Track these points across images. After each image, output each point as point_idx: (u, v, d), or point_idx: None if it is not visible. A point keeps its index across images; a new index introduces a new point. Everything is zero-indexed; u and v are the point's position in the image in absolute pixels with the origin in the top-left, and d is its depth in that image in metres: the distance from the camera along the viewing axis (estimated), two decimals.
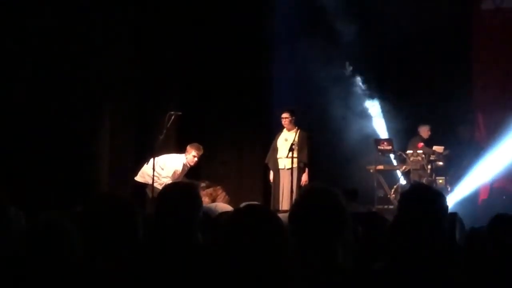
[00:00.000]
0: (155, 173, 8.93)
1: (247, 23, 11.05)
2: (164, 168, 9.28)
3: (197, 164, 9.61)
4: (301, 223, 2.79)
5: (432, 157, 10.99)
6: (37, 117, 8.48)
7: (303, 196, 2.95)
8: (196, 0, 10.83)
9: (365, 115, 11.91)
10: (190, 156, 9.41)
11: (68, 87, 8.76)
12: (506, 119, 11.69)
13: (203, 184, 9.42)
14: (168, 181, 9.01)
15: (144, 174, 9.31)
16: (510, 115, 11.69)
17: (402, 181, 11.22)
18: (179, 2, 10.58)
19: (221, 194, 9.11)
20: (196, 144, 9.48)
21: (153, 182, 8.83)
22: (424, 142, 11.40)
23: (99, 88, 9.23)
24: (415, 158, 11.12)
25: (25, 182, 7.96)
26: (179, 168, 9.38)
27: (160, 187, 8.32)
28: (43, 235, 2.65)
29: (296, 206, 2.91)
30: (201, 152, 9.46)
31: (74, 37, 8.77)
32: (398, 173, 11.55)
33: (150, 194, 8.99)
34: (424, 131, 11.54)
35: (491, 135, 11.79)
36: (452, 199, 10.56)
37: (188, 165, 9.47)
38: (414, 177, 11.10)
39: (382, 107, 11.84)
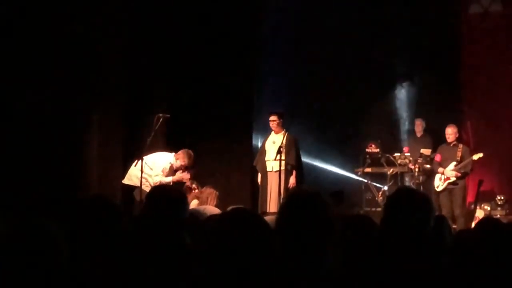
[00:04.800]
0: (145, 175, 8.88)
1: (235, 26, 11.07)
2: (153, 168, 9.23)
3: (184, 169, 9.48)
4: (288, 227, 2.79)
5: (419, 160, 11.02)
6: (24, 120, 8.44)
7: (289, 199, 2.95)
8: (184, 2, 10.82)
9: (353, 116, 11.95)
10: (178, 163, 9.34)
11: (56, 89, 8.72)
12: (493, 122, 11.79)
13: (192, 186, 9.41)
14: (159, 178, 9.03)
15: (131, 177, 9.25)
16: (497, 118, 11.79)
17: (390, 184, 11.24)
18: (167, 5, 10.56)
19: (210, 191, 9.08)
20: (189, 152, 9.36)
21: (141, 184, 8.79)
22: (417, 139, 11.51)
23: (87, 90, 9.19)
24: (402, 160, 11.16)
25: (11, 184, 7.93)
26: (167, 166, 9.34)
27: (148, 190, 8.29)
28: (27, 237, 2.64)
29: (282, 210, 2.92)
30: (191, 162, 9.34)
31: (63, 40, 8.74)
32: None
33: (137, 197, 8.95)
34: (417, 124, 11.65)
35: (477, 139, 11.87)
36: None
37: (174, 167, 9.41)
38: (408, 180, 11.16)
39: (369, 110, 11.87)
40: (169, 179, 9.22)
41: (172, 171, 9.40)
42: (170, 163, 9.36)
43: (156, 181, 8.99)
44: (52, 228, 2.67)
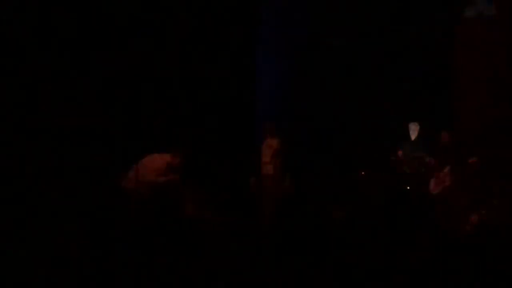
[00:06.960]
0: (142, 176, 8.90)
1: (231, 24, 11.11)
2: (149, 169, 9.24)
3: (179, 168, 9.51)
4: (284, 230, 2.80)
5: (414, 163, 11.02)
6: (23, 120, 8.47)
7: (284, 202, 2.96)
8: (180, 2, 10.85)
9: (349, 119, 11.98)
10: (176, 162, 9.36)
11: (52, 88, 8.74)
12: (487, 125, 11.82)
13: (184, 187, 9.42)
14: (155, 179, 9.06)
15: (130, 178, 9.25)
16: (491, 121, 11.83)
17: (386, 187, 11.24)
18: (163, 4, 10.59)
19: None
20: (185, 151, 9.40)
21: (138, 186, 8.79)
22: (411, 143, 11.53)
23: (84, 92, 9.21)
24: (397, 164, 11.17)
25: (16, 184, 7.97)
26: (163, 167, 9.35)
27: (145, 192, 8.31)
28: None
29: (278, 213, 2.93)
30: (187, 159, 9.38)
31: (58, 38, 8.77)
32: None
33: (135, 198, 8.95)
34: (412, 129, 11.66)
35: (472, 142, 11.89)
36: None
37: (168, 167, 9.42)
38: (403, 183, 11.17)
39: (364, 112, 11.90)
40: (162, 180, 9.24)
41: (169, 171, 9.41)
42: (167, 163, 9.38)
43: (151, 182, 9.02)
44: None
